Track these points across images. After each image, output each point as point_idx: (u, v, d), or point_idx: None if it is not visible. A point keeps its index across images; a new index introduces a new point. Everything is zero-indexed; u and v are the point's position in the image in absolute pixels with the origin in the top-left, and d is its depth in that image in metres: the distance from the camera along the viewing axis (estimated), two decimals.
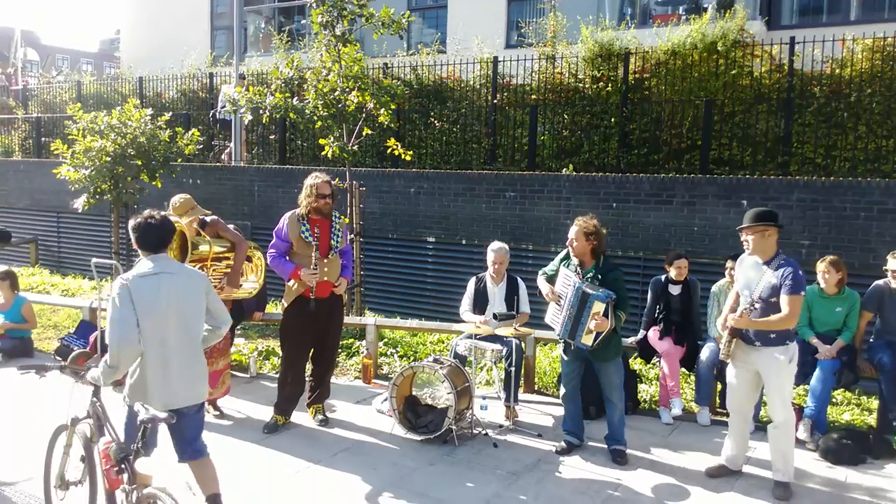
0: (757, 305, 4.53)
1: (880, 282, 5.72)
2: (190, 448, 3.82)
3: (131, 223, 3.76)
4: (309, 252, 5.40)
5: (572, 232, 5.09)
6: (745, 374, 4.78)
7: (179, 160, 10.15)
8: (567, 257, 5.21)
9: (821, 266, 5.73)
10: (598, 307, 4.84)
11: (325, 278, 5.46)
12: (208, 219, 5.70)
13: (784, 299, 4.45)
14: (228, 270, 5.70)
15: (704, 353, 6.03)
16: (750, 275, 4.67)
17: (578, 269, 5.09)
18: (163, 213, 3.86)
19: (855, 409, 6.30)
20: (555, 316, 5.18)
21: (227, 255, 5.67)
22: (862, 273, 6.95)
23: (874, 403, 6.10)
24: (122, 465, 3.41)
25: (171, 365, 3.65)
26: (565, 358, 5.30)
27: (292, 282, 5.50)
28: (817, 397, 5.50)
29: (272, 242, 5.58)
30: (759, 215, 4.61)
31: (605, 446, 5.28)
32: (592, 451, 5.32)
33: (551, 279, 5.26)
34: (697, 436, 5.72)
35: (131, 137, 9.14)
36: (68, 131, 9.48)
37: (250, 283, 6.06)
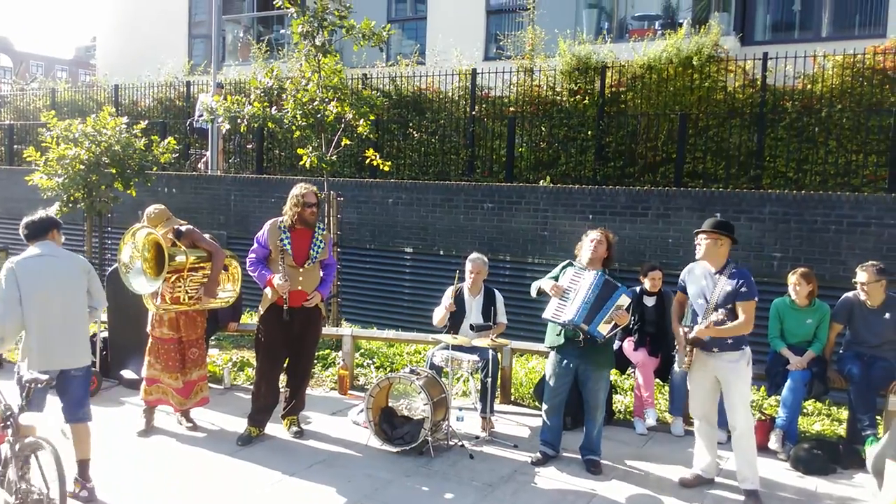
0: (719, 314, 4.61)
1: (850, 294, 5.82)
2: (78, 412, 4.47)
3: (21, 223, 4.50)
4: (287, 260, 5.39)
5: (596, 235, 5.18)
6: (704, 381, 4.88)
7: (155, 169, 10.04)
8: (569, 265, 5.28)
9: (792, 278, 5.81)
10: (624, 300, 4.97)
11: (300, 287, 5.43)
12: (183, 228, 5.65)
13: (741, 305, 4.63)
14: (205, 280, 5.66)
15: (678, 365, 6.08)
16: (702, 283, 4.80)
17: (588, 269, 5.16)
18: (44, 212, 4.68)
19: (825, 420, 6.39)
20: (559, 310, 5.09)
21: (203, 264, 5.62)
22: (832, 285, 7.06)
23: (844, 414, 6.20)
24: (7, 422, 3.90)
25: (52, 334, 4.32)
26: (559, 368, 5.22)
27: (268, 289, 5.47)
28: (788, 407, 5.57)
29: (252, 248, 5.56)
30: (718, 224, 4.82)
31: (580, 457, 5.30)
32: (567, 462, 5.33)
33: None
34: (671, 446, 5.76)
35: (106, 146, 9.03)
36: (42, 138, 9.35)
37: (227, 293, 6.02)
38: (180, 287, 5.53)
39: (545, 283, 5.22)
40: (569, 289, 5.09)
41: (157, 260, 5.35)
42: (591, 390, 5.18)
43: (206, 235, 5.86)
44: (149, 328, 5.77)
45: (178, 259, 5.40)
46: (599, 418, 5.23)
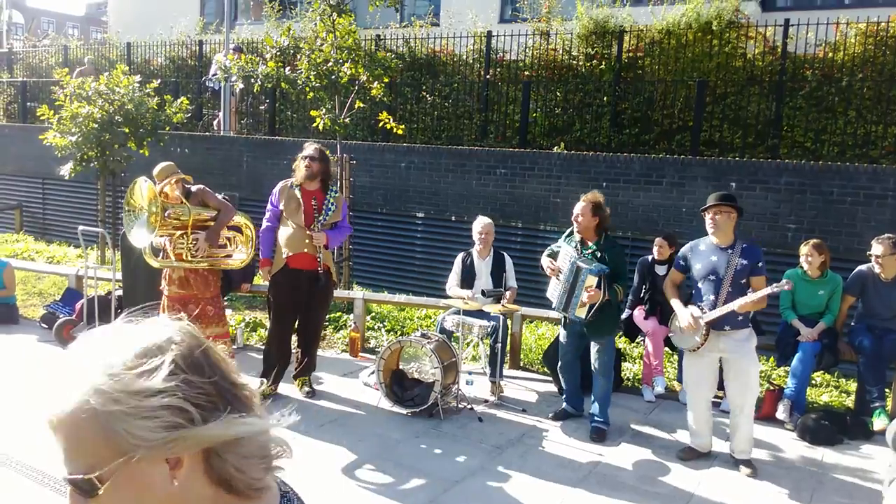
0: (755, 292, 4.52)
1: (864, 267, 5.79)
2: None
3: None
4: (296, 219, 5.40)
5: (578, 207, 5.13)
6: (711, 360, 4.80)
7: (167, 128, 10.04)
8: (571, 234, 5.28)
9: (804, 249, 5.78)
10: (591, 280, 4.92)
11: (305, 250, 5.45)
12: (193, 188, 5.63)
13: (755, 281, 4.59)
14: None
15: None
16: (712, 259, 4.69)
17: (579, 245, 5.17)
18: None
19: (834, 391, 6.41)
20: (553, 290, 5.27)
21: (210, 223, 5.61)
22: (847, 257, 7.02)
23: (852, 386, 6.21)
24: None
25: None
26: (563, 337, 5.43)
27: (282, 249, 5.52)
28: (797, 378, 5.59)
29: (267, 209, 5.64)
30: (725, 196, 4.70)
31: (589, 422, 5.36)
32: (576, 427, 5.39)
33: (554, 256, 5.32)
34: (679, 413, 5.78)
35: (119, 104, 9.02)
36: (55, 96, 9.35)
37: (240, 254, 6.00)
38: (182, 244, 5.50)
39: (545, 262, 5.32)
40: (561, 269, 5.17)
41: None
42: (594, 355, 5.29)
43: (220, 195, 5.87)
44: (161, 287, 5.79)
45: (177, 212, 5.37)
46: (603, 384, 5.26)
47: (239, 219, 5.90)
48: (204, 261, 5.65)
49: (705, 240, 4.78)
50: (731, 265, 4.61)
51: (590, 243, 5.17)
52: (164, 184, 5.51)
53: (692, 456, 4.95)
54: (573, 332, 5.36)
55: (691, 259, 4.83)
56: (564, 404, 5.59)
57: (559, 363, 5.58)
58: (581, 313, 5.01)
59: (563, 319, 5.42)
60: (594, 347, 5.27)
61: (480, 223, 6.30)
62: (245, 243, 5.97)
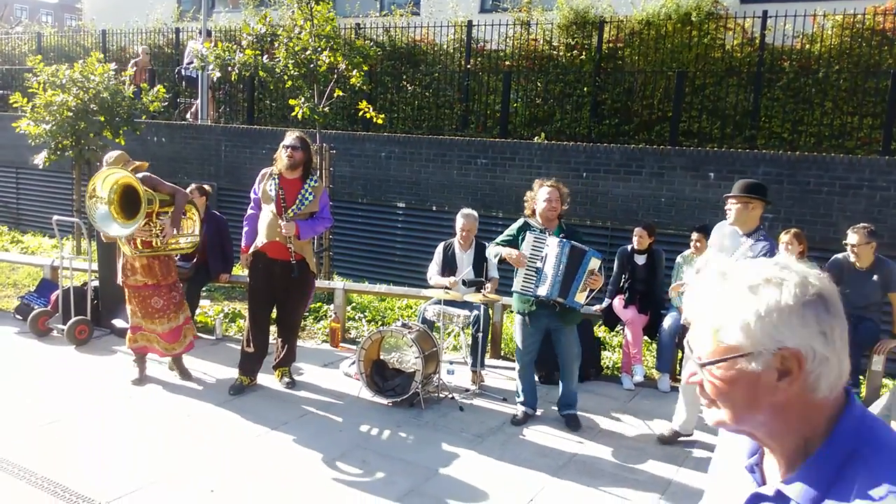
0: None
1: (839, 255, 5.87)
2: None
3: None
4: (272, 207, 5.37)
5: (550, 193, 5.02)
6: None
7: (144, 117, 9.91)
8: (525, 226, 5.12)
9: (784, 237, 5.85)
10: (595, 263, 4.86)
11: (277, 239, 5.39)
12: (140, 175, 5.55)
13: None
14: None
15: (667, 322, 6.15)
16: (725, 243, 4.65)
17: (547, 232, 5.04)
18: None
19: None
20: (528, 281, 5.01)
21: (168, 209, 5.56)
22: (822, 246, 7.11)
23: None
24: None
25: None
26: (524, 336, 5.20)
27: (258, 238, 5.48)
28: None
29: (251, 196, 5.61)
30: (747, 187, 4.60)
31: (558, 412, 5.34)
32: (556, 416, 5.41)
33: (512, 246, 5.11)
34: (657, 401, 5.86)
35: (94, 92, 8.88)
36: (28, 84, 9.18)
37: (191, 237, 5.93)
38: (148, 230, 5.45)
39: (509, 251, 5.06)
40: (533, 257, 4.98)
41: (123, 204, 5.26)
42: (565, 346, 5.16)
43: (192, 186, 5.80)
44: (120, 279, 5.66)
45: (152, 202, 5.32)
46: (577, 372, 5.25)
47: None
48: (172, 247, 5.63)
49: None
50: (737, 253, 4.52)
51: (553, 230, 5.06)
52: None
53: (673, 439, 5.00)
54: (539, 328, 5.15)
55: (714, 235, 4.80)
56: (524, 408, 5.32)
57: (518, 367, 5.33)
58: (581, 298, 4.89)
59: (527, 312, 5.13)
60: (563, 337, 5.13)
61: (463, 217, 6.25)
62: (193, 226, 5.93)
